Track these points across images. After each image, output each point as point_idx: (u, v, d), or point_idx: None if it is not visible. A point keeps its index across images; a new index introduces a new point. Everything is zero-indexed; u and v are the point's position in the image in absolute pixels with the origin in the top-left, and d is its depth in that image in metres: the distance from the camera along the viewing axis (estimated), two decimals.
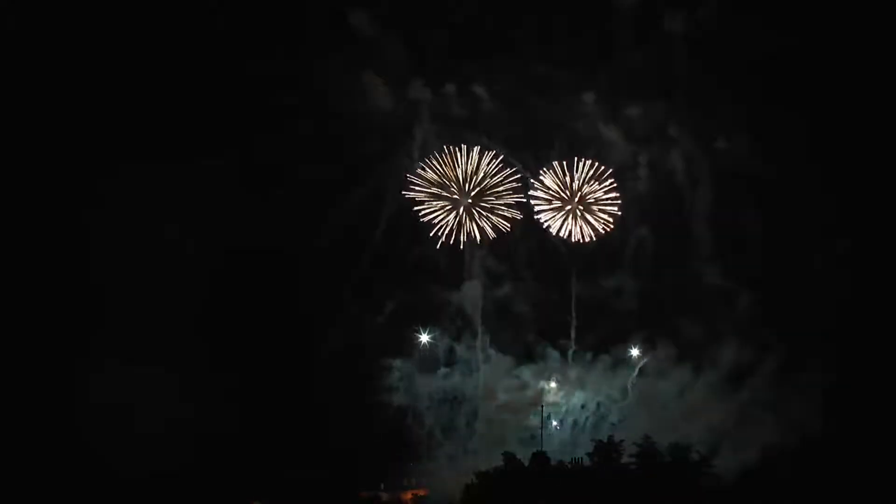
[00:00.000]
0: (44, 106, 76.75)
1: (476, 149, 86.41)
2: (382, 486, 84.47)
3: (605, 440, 78.95)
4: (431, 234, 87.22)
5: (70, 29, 76.45)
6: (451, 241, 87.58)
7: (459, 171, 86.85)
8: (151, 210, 79.83)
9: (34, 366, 76.77)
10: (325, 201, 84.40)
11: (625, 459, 76.99)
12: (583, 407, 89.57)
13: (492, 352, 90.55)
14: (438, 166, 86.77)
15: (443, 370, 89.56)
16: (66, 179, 77.34)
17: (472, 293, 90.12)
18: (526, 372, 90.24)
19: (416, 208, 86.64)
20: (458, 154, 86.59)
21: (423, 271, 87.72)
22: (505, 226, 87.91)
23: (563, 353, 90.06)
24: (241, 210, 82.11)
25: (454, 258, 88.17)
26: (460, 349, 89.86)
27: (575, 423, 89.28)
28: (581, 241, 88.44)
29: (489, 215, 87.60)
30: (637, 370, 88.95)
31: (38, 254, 77.22)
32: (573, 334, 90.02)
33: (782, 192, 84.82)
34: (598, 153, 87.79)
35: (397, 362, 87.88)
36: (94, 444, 74.20)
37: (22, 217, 77.36)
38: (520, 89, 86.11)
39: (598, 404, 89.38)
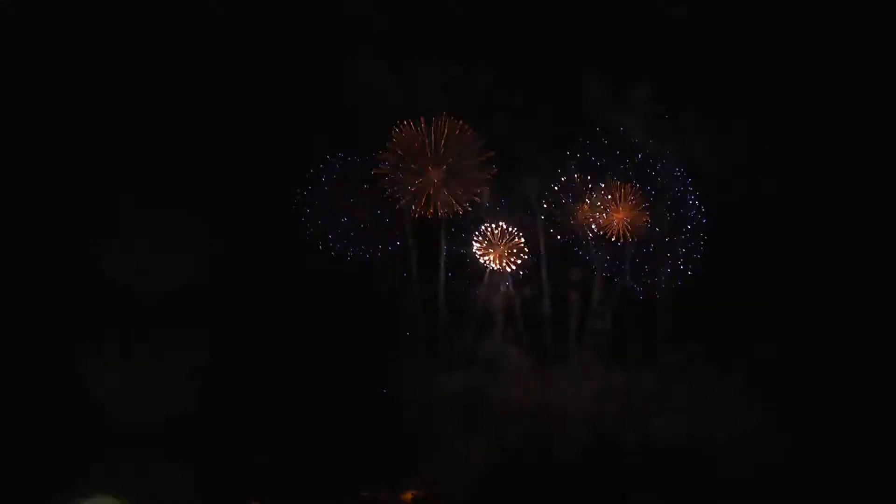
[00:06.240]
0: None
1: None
2: (382, 486, 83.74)
3: (605, 437, 77.71)
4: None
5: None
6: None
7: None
8: (158, 212, 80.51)
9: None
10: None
11: (625, 459, 76.01)
12: (601, 408, 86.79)
13: (513, 350, 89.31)
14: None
15: (462, 370, 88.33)
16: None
17: (493, 290, 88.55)
18: (546, 371, 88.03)
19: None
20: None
21: (441, 266, 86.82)
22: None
23: (585, 352, 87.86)
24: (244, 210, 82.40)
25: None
26: (481, 348, 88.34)
27: (594, 424, 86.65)
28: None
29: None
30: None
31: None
32: (593, 334, 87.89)
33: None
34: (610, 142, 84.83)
35: (411, 361, 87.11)
36: (89, 440, 75.27)
37: None
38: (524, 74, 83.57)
39: (620, 406, 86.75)
